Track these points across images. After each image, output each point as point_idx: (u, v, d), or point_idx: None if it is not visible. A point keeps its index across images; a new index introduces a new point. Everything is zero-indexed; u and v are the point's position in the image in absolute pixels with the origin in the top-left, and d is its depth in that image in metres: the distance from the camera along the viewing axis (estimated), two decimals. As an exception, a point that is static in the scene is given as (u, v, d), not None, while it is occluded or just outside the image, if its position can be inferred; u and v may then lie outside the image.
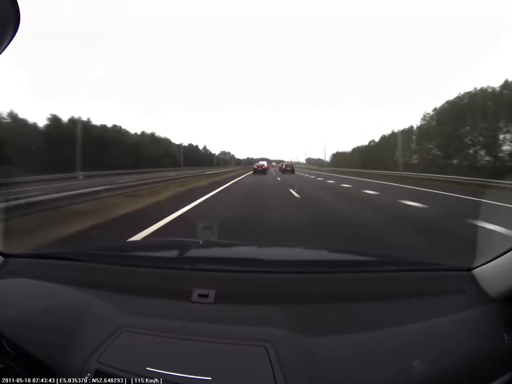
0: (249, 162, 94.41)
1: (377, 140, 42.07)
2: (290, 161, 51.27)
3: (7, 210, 3.95)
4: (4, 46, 0.61)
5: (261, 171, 29.05)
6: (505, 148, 18.88)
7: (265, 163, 35.53)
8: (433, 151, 25.09)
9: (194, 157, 64.27)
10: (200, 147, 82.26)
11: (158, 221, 4.86)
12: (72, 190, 5.86)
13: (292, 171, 32.66)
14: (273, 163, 75.06)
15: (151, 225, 4.52)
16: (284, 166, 35.38)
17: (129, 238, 3.70)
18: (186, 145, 67.83)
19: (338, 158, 59.32)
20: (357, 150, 46.80)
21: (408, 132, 30.57)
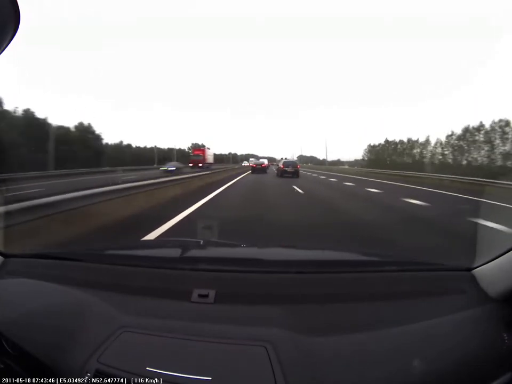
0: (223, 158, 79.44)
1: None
2: (292, 159, 33.37)
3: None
4: (4, 46, 0.61)
5: (261, 169, 26.26)
6: None
7: (265, 161, 31.41)
8: None
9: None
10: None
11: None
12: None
13: (295, 173, 20.18)
14: (252, 159, 63.07)
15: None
16: (282, 165, 21.46)
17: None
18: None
19: (385, 152, 36.13)
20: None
21: None
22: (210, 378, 0.62)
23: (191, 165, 35.21)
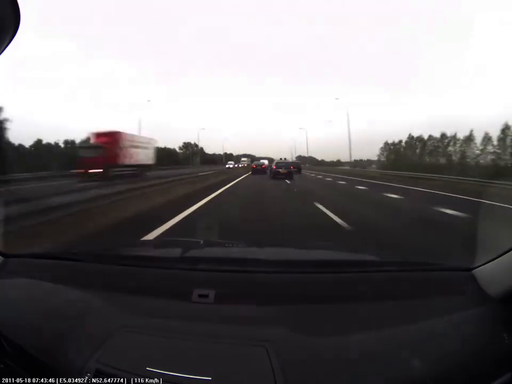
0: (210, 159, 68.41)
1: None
2: (292, 159, 29.92)
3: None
4: (4, 46, 0.61)
5: (261, 170, 25.51)
6: None
7: (265, 161, 30.95)
8: None
9: None
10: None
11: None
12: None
13: (288, 175, 18.34)
14: (244, 158, 56.91)
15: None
16: (274, 167, 19.55)
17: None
18: None
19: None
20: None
21: None
22: (210, 378, 0.62)
23: (79, 170, 15.83)
